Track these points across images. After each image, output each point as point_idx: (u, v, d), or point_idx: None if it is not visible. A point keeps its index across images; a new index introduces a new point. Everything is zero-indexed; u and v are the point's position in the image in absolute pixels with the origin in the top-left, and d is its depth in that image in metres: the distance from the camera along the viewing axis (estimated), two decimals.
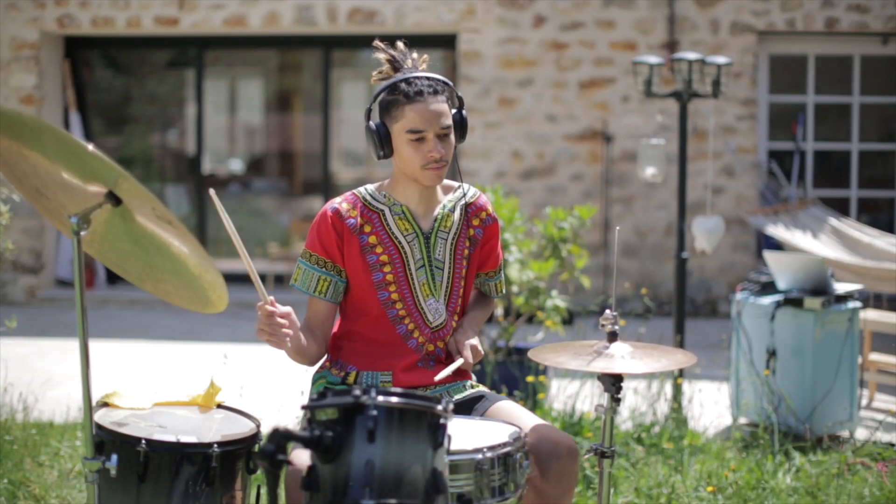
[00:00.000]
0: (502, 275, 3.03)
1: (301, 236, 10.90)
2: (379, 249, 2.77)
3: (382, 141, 2.72)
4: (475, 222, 2.88)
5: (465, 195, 2.88)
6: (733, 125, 9.35)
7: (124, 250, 2.43)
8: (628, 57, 9.09)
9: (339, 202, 2.79)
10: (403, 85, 2.69)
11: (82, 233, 2.24)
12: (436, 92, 2.70)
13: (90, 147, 2.14)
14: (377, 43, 2.82)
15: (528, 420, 2.68)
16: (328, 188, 10.37)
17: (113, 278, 9.99)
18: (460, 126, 2.77)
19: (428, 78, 2.71)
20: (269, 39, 10.32)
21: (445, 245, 2.82)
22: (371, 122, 2.74)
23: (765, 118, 9.54)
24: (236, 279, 10.26)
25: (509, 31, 9.42)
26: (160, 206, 2.17)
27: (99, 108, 11.15)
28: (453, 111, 2.76)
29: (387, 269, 2.77)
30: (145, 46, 10.73)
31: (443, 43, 9.88)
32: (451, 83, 2.76)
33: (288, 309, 2.58)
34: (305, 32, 9.83)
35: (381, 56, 2.81)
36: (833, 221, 7.29)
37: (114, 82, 11.62)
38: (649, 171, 6.00)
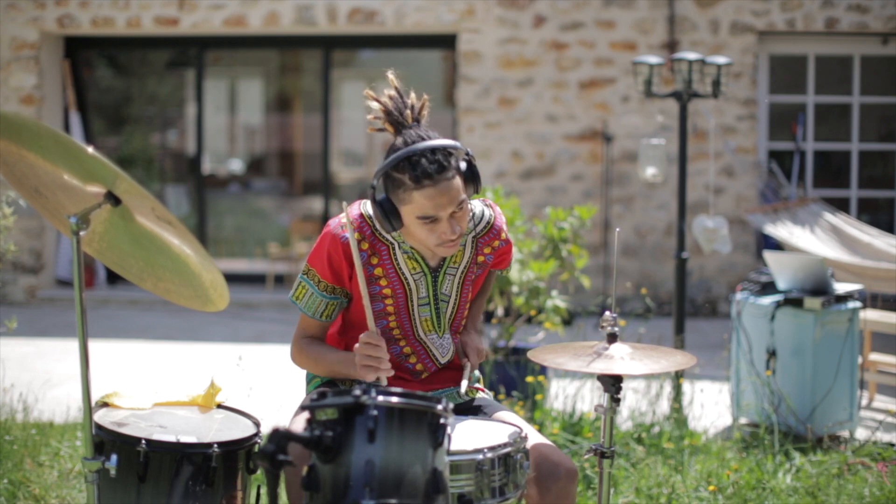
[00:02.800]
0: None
1: (301, 236, 10.90)
2: (384, 282, 2.67)
3: (389, 217, 2.52)
4: (486, 250, 2.77)
5: (475, 228, 2.74)
6: (733, 125, 9.35)
7: (124, 249, 2.43)
8: (628, 57, 9.09)
9: (350, 230, 2.51)
10: (408, 167, 2.46)
11: (81, 233, 2.24)
12: (443, 169, 2.46)
13: (90, 149, 2.14)
14: (367, 92, 2.60)
15: (529, 437, 2.61)
16: (328, 188, 10.37)
17: (113, 278, 9.99)
18: (472, 180, 2.54)
19: (433, 151, 2.47)
20: (269, 39, 10.32)
21: (454, 280, 2.74)
22: (377, 196, 2.52)
23: (765, 118, 9.54)
24: (236, 279, 10.30)
25: (509, 31, 9.42)
26: (159, 206, 2.17)
27: (99, 108, 11.15)
28: (462, 164, 2.53)
29: (388, 301, 2.69)
30: (145, 46, 10.73)
31: (443, 43, 9.88)
32: (458, 145, 2.52)
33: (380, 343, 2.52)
34: (305, 32, 9.83)
35: (375, 106, 2.58)
36: (832, 218, 7.28)
37: (114, 82, 11.62)
38: (649, 171, 6.00)
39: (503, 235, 2.78)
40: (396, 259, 2.66)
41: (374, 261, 2.65)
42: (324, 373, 2.71)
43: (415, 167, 2.45)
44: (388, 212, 2.51)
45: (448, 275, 2.72)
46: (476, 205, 2.77)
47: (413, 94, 2.61)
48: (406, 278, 2.67)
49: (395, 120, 2.57)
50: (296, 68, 12.06)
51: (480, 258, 2.77)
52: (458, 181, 2.50)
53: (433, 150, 2.47)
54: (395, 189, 2.50)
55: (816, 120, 9.62)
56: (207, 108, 10.76)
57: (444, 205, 2.48)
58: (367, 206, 2.67)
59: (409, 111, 2.58)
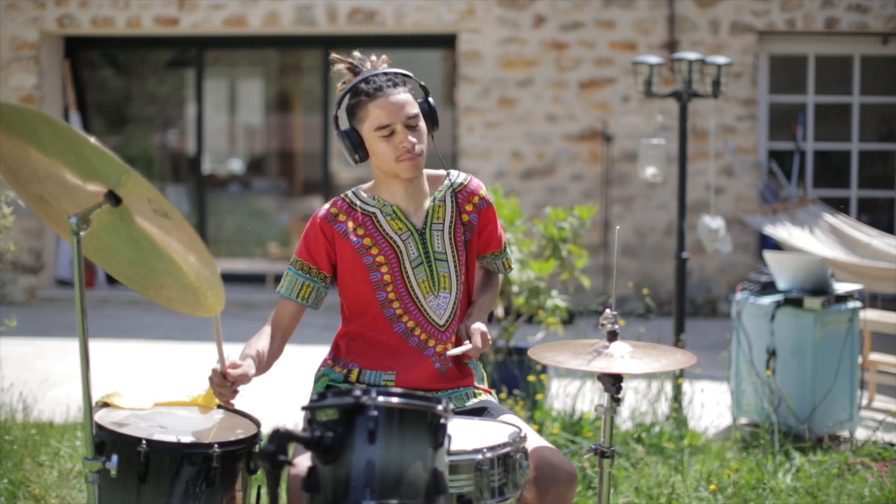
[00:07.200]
0: (508, 252, 3.04)
1: (301, 236, 10.89)
2: (375, 251, 2.77)
3: (355, 145, 2.75)
4: (468, 207, 2.87)
5: (452, 183, 2.87)
6: (733, 125, 9.35)
7: (126, 256, 2.42)
8: (628, 57, 9.09)
9: (328, 208, 2.82)
10: (363, 85, 2.73)
11: (81, 233, 2.24)
12: (395, 85, 2.73)
13: (91, 140, 2.14)
14: (333, 56, 2.86)
15: (530, 440, 2.63)
16: (328, 188, 10.37)
17: (113, 278, 9.99)
18: (430, 114, 2.79)
19: (385, 73, 2.75)
20: (269, 39, 10.32)
21: (443, 236, 2.82)
22: (340, 129, 2.78)
23: (765, 118, 9.54)
24: (236, 279, 10.30)
25: (509, 31, 9.42)
26: (157, 196, 2.16)
27: (99, 108, 11.15)
28: (419, 101, 2.78)
29: (384, 269, 2.78)
30: (145, 46, 10.73)
31: (443, 43, 9.88)
32: (411, 74, 2.79)
33: (242, 371, 2.60)
34: (305, 32, 9.83)
35: (340, 66, 2.84)
36: (831, 219, 7.28)
37: (114, 82, 11.62)
38: (649, 171, 6.01)
39: (481, 192, 2.90)
40: (381, 225, 2.80)
41: (361, 231, 2.80)
42: None
43: (369, 83, 2.73)
44: (354, 142, 2.75)
45: (435, 231, 2.82)
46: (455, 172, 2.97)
47: (374, 56, 2.86)
48: (394, 241, 2.79)
49: (357, 71, 2.82)
50: (296, 68, 12.06)
51: (465, 217, 2.86)
52: (410, 97, 2.74)
53: (385, 72, 2.76)
54: (354, 113, 2.75)
55: (816, 120, 9.62)
56: (207, 108, 10.76)
57: (397, 112, 2.70)
58: (344, 193, 2.87)
59: (369, 63, 2.83)
